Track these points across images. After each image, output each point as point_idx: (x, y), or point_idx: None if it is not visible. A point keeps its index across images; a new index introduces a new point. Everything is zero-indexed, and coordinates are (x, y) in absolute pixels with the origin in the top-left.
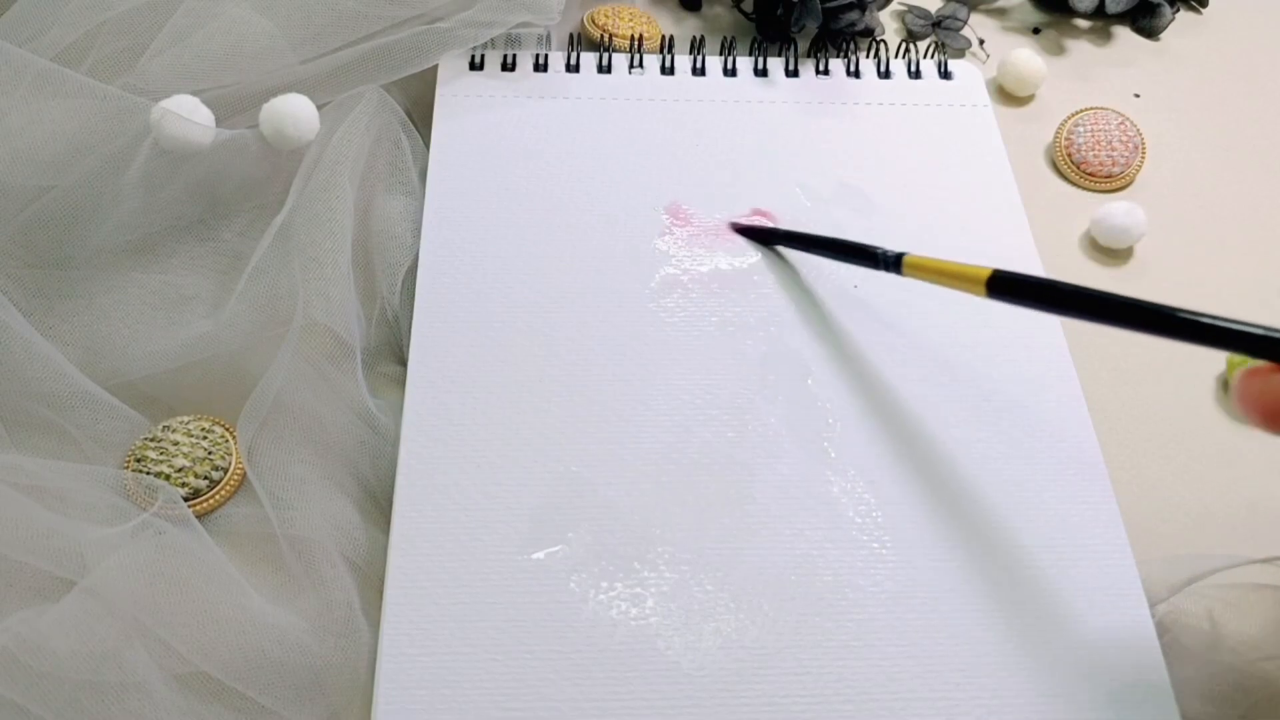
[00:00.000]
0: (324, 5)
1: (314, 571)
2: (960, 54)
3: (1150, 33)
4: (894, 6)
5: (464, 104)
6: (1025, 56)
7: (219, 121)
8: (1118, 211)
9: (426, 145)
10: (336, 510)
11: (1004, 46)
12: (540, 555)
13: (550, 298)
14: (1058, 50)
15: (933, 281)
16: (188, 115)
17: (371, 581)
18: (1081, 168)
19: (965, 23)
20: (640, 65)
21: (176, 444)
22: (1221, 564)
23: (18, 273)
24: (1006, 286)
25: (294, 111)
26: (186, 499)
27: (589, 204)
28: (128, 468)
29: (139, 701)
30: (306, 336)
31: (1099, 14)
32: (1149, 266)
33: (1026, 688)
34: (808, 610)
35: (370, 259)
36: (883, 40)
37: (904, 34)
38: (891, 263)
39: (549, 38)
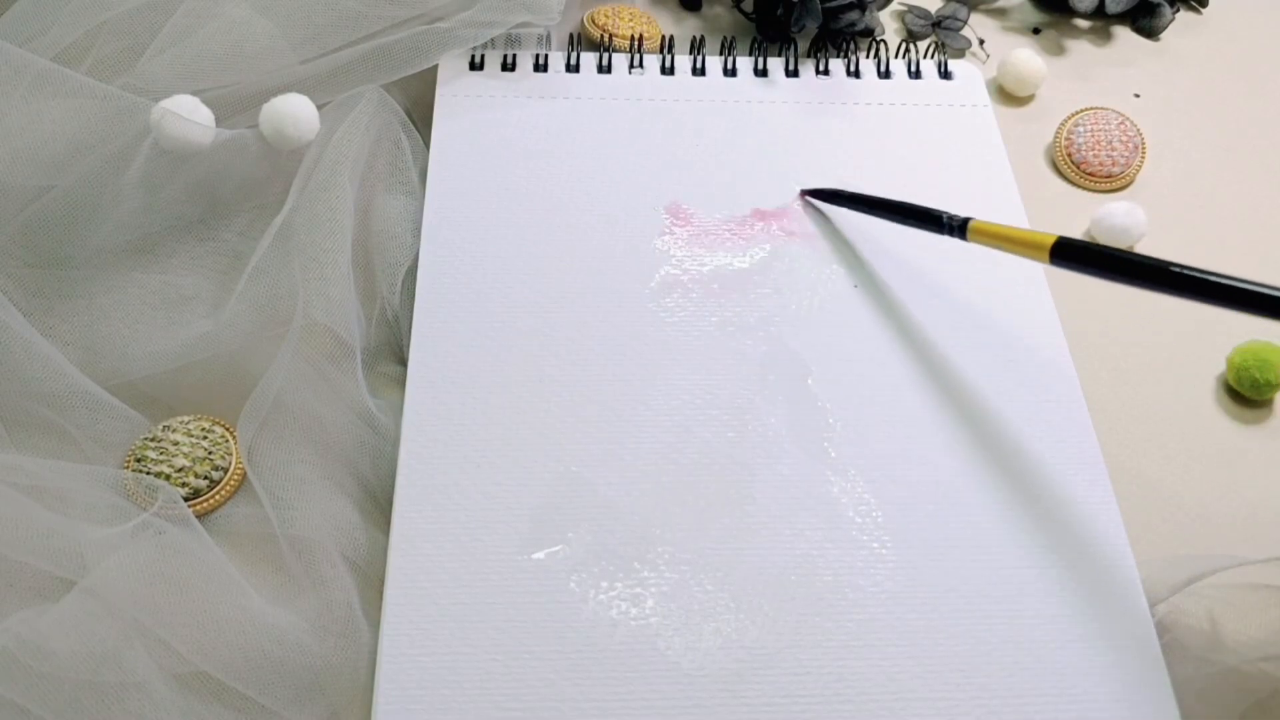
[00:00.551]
0: (324, 5)
1: (314, 571)
2: (960, 54)
3: (1150, 33)
4: (894, 6)
5: (464, 104)
6: (1025, 56)
7: (219, 121)
8: (1118, 211)
9: (426, 145)
10: (336, 510)
11: (1004, 46)
12: (540, 555)
13: (550, 298)
14: (1058, 50)
15: (997, 247)
16: (188, 115)
17: (371, 581)
18: (1081, 168)
19: (965, 23)
20: (640, 65)
21: (176, 444)
22: (1221, 564)
23: (18, 273)
24: (1070, 253)
25: (294, 111)
26: (186, 499)
27: (589, 204)
28: (128, 468)
29: (139, 701)
30: (306, 336)
31: (1099, 14)
32: None
33: (1026, 688)
34: (808, 610)
35: (370, 259)
36: (883, 40)
37: (904, 34)
38: (957, 228)
39: (549, 38)
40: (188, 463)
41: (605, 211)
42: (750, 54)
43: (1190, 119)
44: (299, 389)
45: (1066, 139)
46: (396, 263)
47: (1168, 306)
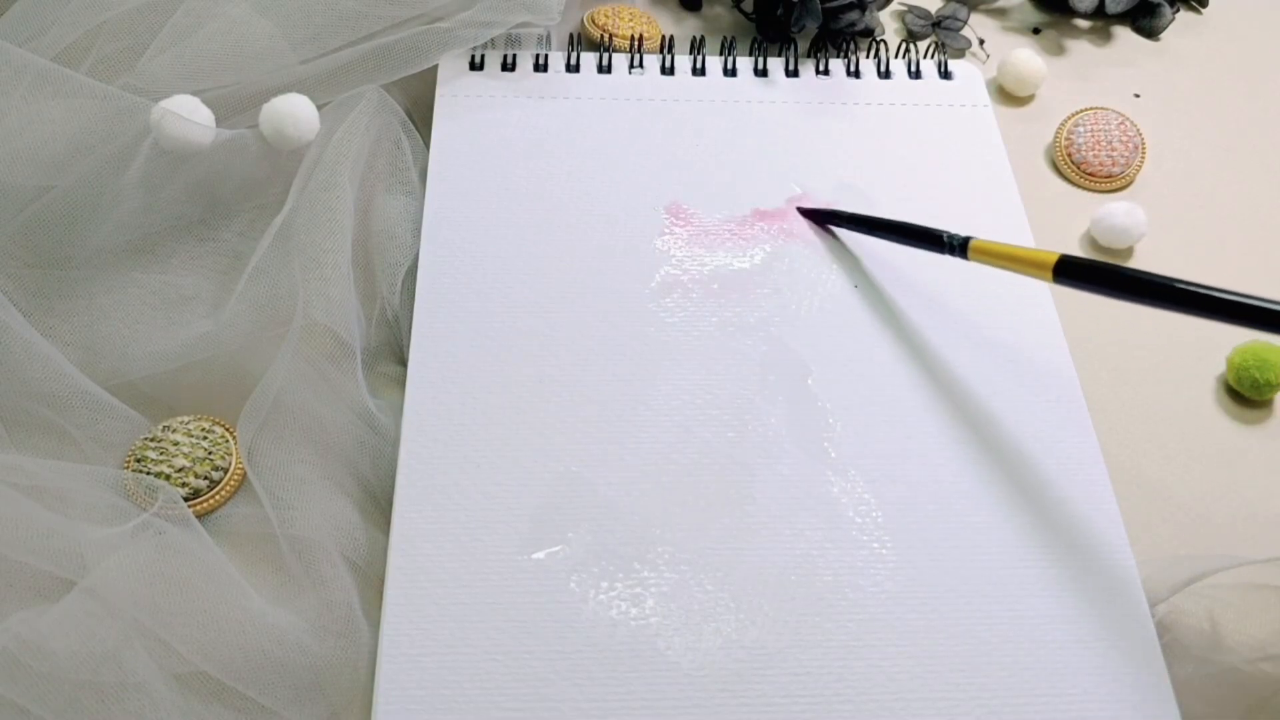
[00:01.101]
0: (324, 5)
1: (314, 571)
2: (960, 54)
3: (1150, 33)
4: (894, 6)
5: (464, 104)
6: (1025, 56)
7: (219, 121)
8: (1118, 211)
9: (426, 145)
10: (336, 510)
11: (1004, 46)
12: (540, 555)
13: (550, 298)
14: (1058, 50)
15: (998, 266)
16: (188, 115)
17: (371, 581)
18: (1081, 168)
19: (965, 23)
20: (640, 65)
21: (176, 444)
22: (1221, 564)
23: (18, 273)
24: (1073, 271)
25: (294, 111)
26: (186, 499)
27: (589, 204)
28: (128, 468)
29: (139, 701)
30: (306, 336)
31: (1099, 14)
32: (1149, 266)
33: (1026, 688)
34: (808, 610)
35: (370, 259)
36: (883, 40)
37: (904, 34)
38: (958, 247)
39: (549, 38)
40: (188, 463)
41: (605, 211)
42: (750, 54)
43: (1190, 119)
44: (299, 389)
45: (1066, 139)
46: (396, 263)
47: None
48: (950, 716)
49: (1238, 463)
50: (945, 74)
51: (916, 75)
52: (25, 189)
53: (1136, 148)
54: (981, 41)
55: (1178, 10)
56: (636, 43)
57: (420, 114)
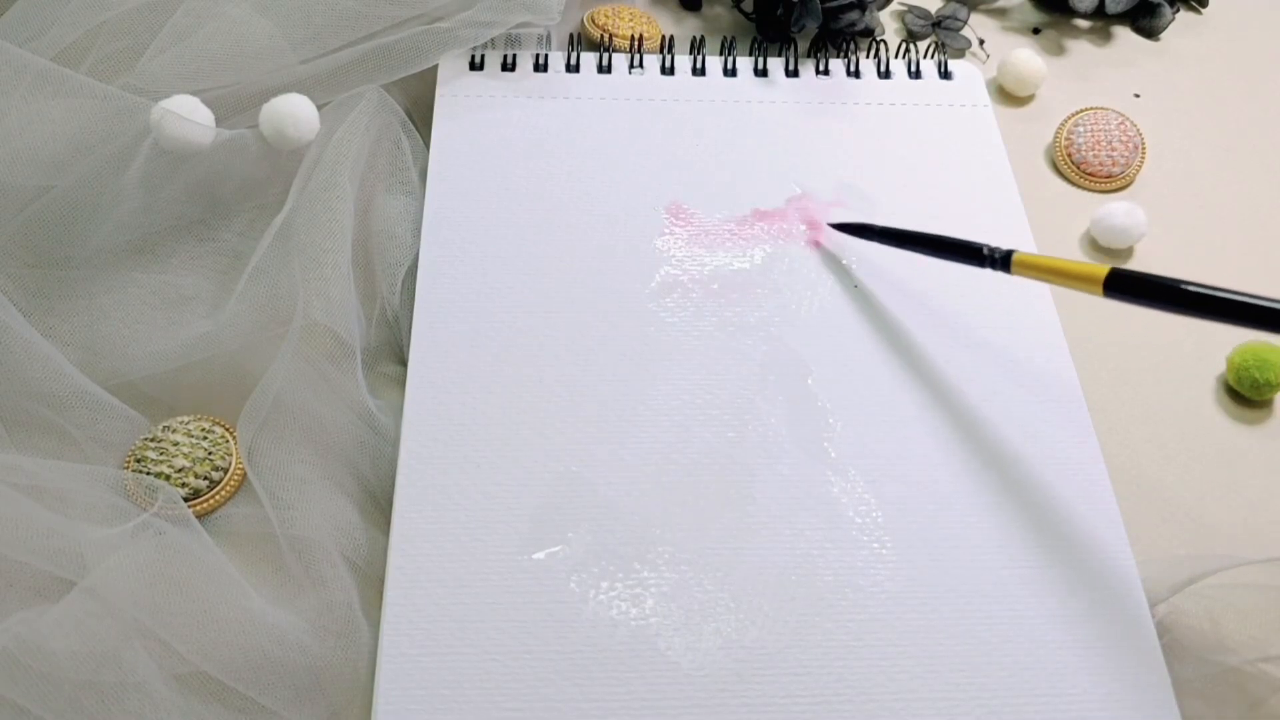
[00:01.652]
0: (324, 5)
1: (314, 571)
2: (960, 54)
3: (1150, 33)
4: (894, 6)
5: (464, 104)
6: (1025, 56)
7: (219, 121)
8: (1118, 211)
9: (426, 145)
10: (336, 510)
11: (1004, 46)
12: (540, 555)
13: (550, 297)
14: (1058, 50)
15: (1045, 280)
16: (188, 115)
17: (371, 581)
18: (1081, 168)
19: (965, 23)
20: (640, 65)
21: (176, 444)
22: (1221, 564)
23: (18, 273)
24: (1125, 285)
25: (294, 111)
26: (186, 499)
27: (589, 204)
28: (128, 468)
29: (139, 702)
30: (306, 336)
31: (1099, 14)
32: (1149, 266)
33: (1026, 688)
34: (808, 610)
35: (370, 259)
36: (883, 40)
37: (904, 34)
38: (999, 261)
39: (549, 38)
40: (188, 463)
41: (605, 211)
42: (750, 54)
43: (1190, 119)
44: (299, 389)
45: (1066, 139)
46: (396, 263)
47: None
48: (950, 716)
49: (1238, 463)
50: (945, 74)
51: (916, 75)
52: (25, 189)
53: (1136, 148)
54: (981, 41)
55: (1178, 10)
56: (636, 43)
57: (420, 114)
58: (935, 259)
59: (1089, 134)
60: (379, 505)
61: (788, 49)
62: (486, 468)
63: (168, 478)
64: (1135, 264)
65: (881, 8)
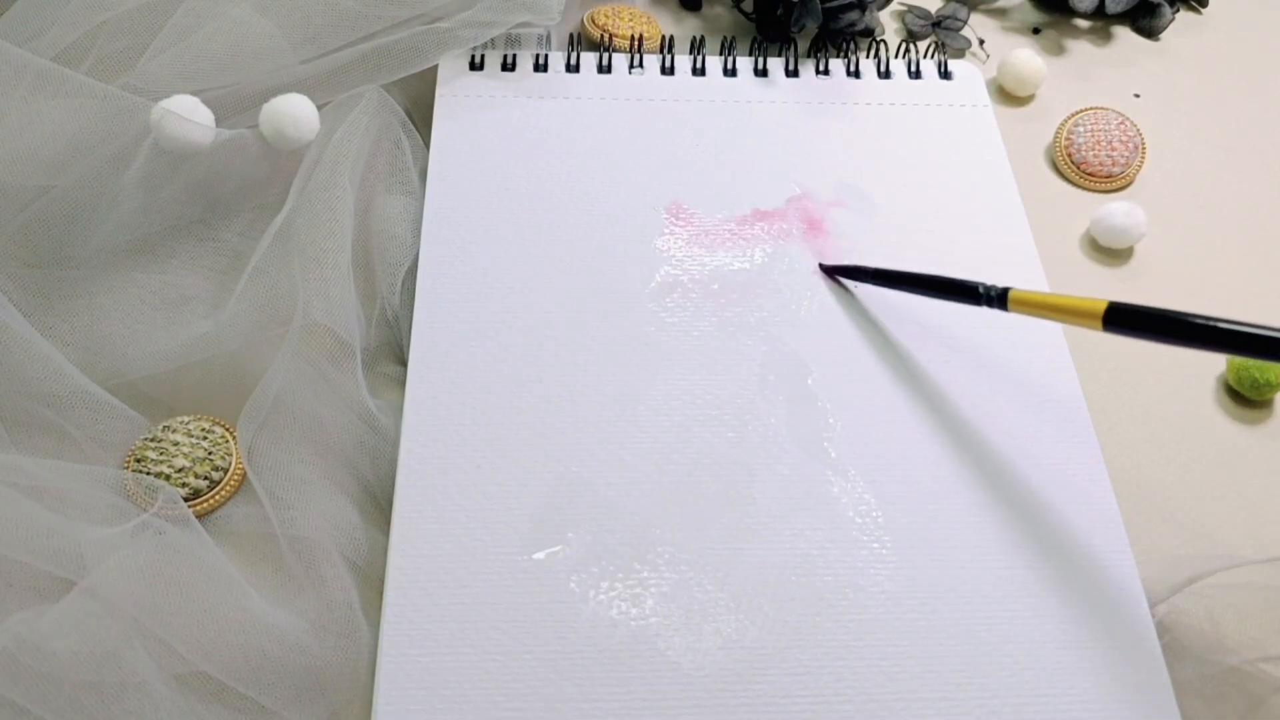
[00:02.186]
0: (324, 5)
1: (314, 571)
2: (960, 54)
3: (1150, 33)
4: (894, 6)
5: (464, 104)
6: (1025, 56)
7: (219, 121)
8: (1118, 211)
9: (426, 145)
10: (336, 510)
11: (1004, 46)
12: (540, 555)
13: (550, 298)
14: (1058, 50)
15: (1042, 316)
16: (188, 115)
17: (371, 581)
18: (1081, 168)
19: (965, 23)
20: (640, 65)
21: (176, 444)
22: (1221, 564)
23: (18, 273)
24: (1125, 319)
25: (294, 111)
26: (186, 499)
27: (589, 204)
28: (128, 468)
29: (139, 701)
30: (306, 336)
31: (1099, 14)
32: (1149, 266)
33: (1026, 688)
34: (808, 610)
35: (370, 259)
36: (883, 40)
37: (904, 34)
38: (995, 299)
39: (549, 38)
40: (188, 463)
41: (605, 211)
42: (750, 54)
43: (1190, 119)
44: (299, 389)
45: (1066, 139)
46: (396, 263)
47: None
48: (950, 716)
49: (1238, 463)
50: (945, 74)
51: (916, 75)
52: (25, 189)
53: (1136, 148)
54: (981, 41)
55: (1178, 10)
56: (636, 43)
57: (420, 114)
58: (932, 299)
59: (1089, 134)
60: (379, 505)
61: (788, 49)
62: (486, 468)
63: (168, 478)
64: (1136, 264)
65: (881, 8)
